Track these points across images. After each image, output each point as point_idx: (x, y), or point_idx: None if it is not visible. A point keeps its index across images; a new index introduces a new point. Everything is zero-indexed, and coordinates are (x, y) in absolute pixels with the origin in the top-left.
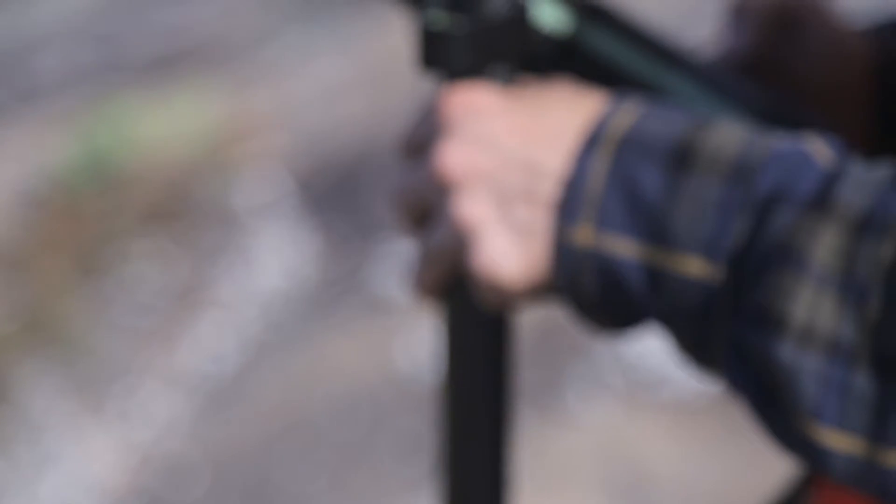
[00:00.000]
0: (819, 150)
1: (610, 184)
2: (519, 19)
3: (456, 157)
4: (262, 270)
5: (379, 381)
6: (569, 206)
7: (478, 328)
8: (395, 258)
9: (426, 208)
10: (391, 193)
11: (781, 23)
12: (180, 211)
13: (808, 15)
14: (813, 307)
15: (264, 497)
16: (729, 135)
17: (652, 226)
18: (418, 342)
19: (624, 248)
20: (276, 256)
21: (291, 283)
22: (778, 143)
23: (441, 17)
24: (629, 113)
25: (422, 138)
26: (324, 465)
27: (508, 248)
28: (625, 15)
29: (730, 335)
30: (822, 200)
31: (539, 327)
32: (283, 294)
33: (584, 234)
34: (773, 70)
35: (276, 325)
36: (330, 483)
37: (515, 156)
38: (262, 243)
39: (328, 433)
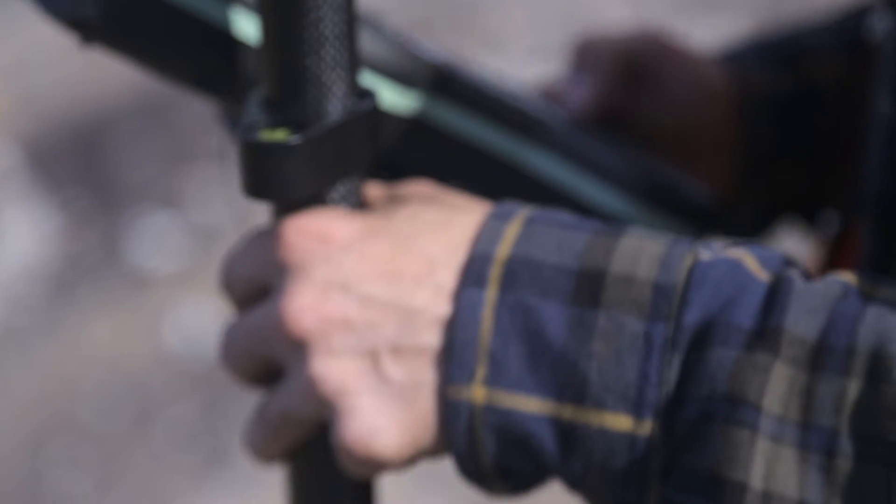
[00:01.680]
0: (749, 260)
1: (501, 327)
2: (367, 116)
3: (307, 304)
4: None
5: (146, 364)
6: (454, 358)
7: (338, 495)
8: (154, 229)
9: (271, 365)
10: (220, 344)
11: (631, 72)
12: None
13: (660, 57)
14: (768, 472)
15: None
16: (640, 250)
17: (559, 377)
18: (189, 317)
19: (527, 405)
20: (13, 235)
21: (36, 263)
22: (700, 254)
23: (270, 129)
24: (514, 229)
25: (259, 278)
26: (91, 464)
27: (384, 416)
28: (476, 80)
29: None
30: (764, 331)
31: None
32: (27, 275)
33: (477, 392)
34: (630, 119)
35: (24, 309)
36: (100, 483)
37: (381, 298)
38: None
39: (94, 426)
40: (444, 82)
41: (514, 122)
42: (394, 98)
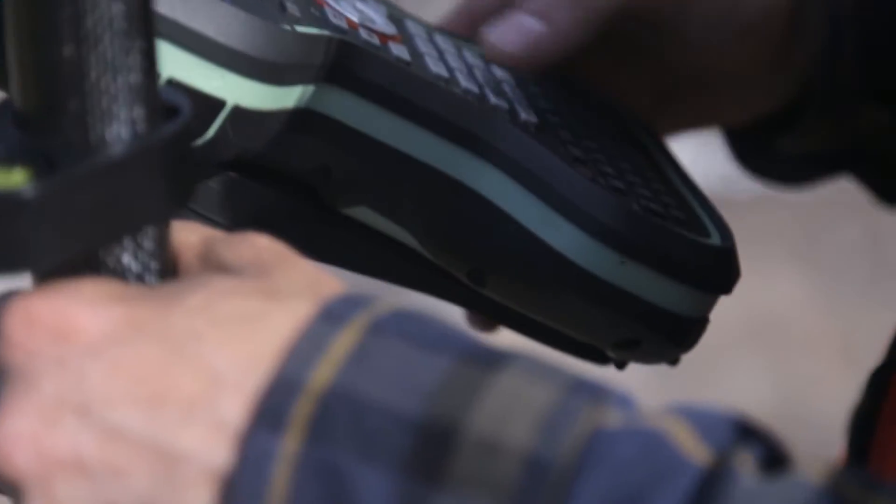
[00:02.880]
0: (680, 431)
1: (299, 494)
2: (170, 145)
3: (25, 432)
4: None
5: None
6: None
7: None
8: None
9: None
10: None
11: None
12: None
13: None
14: None
15: None
16: (516, 398)
17: None
18: None
19: None
20: None
21: None
22: (606, 416)
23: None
24: (347, 341)
25: None
26: None
27: None
28: (390, 62)
29: None
30: None
31: None
32: None
33: None
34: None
35: None
36: None
37: (134, 433)
38: None
39: None
40: (340, 68)
41: (445, 127)
42: (254, 92)
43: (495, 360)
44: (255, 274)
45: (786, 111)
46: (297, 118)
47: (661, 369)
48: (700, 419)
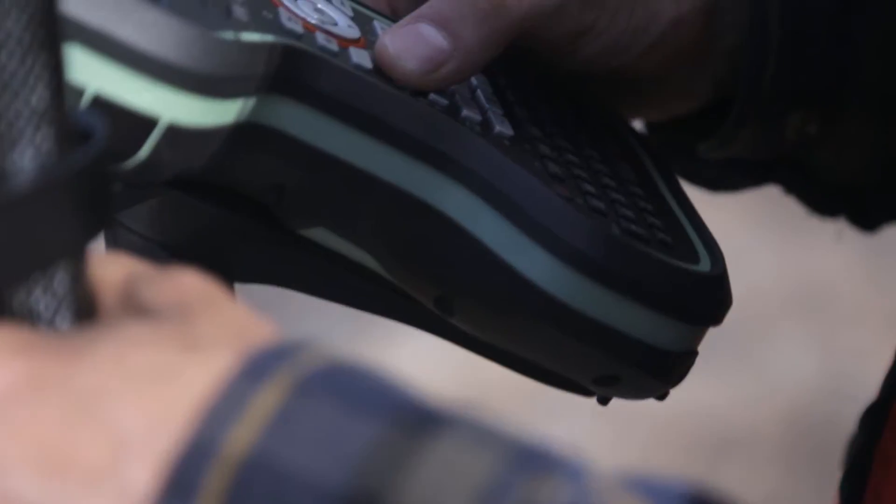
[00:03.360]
0: None
1: None
2: (85, 175)
3: None
4: None
5: None
6: None
7: None
8: None
9: None
10: None
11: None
12: None
13: None
14: None
15: None
16: (452, 470)
17: None
18: None
19: None
20: None
21: None
22: (557, 490)
23: None
24: (269, 401)
25: None
26: None
27: None
28: (346, 68)
29: None
30: None
31: None
32: None
33: None
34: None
35: None
36: None
37: (30, 502)
38: None
39: None
40: (289, 78)
41: (408, 141)
42: (191, 107)
43: (433, 423)
44: (177, 318)
45: (704, 113)
46: (244, 133)
47: (705, 344)
48: (656, 496)
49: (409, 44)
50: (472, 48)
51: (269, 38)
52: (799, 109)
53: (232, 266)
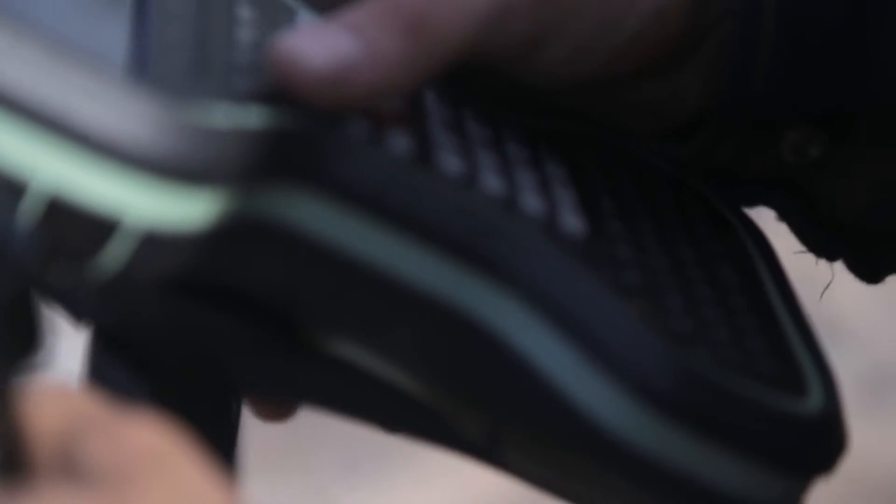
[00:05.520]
0: None
1: None
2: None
3: None
4: None
5: None
6: None
7: None
8: None
9: None
10: None
11: None
12: None
13: None
14: None
15: None
16: None
17: None
18: None
19: None
20: None
21: None
22: None
23: None
24: None
25: None
26: None
27: None
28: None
29: None
30: None
31: None
32: None
33: None
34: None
35: None
36: None
37: None
38: None
39: None
40: (302, 161)
41: (453, 244)
42: (163, 203)
43: None
44: (109, 489)
45: (689, 121)
46: (241, 230)
47: None
48: None
49: (314, 43)
50: (390, 58)
51: (271, 123)
52: (799, 123)
53: (238, 381)
